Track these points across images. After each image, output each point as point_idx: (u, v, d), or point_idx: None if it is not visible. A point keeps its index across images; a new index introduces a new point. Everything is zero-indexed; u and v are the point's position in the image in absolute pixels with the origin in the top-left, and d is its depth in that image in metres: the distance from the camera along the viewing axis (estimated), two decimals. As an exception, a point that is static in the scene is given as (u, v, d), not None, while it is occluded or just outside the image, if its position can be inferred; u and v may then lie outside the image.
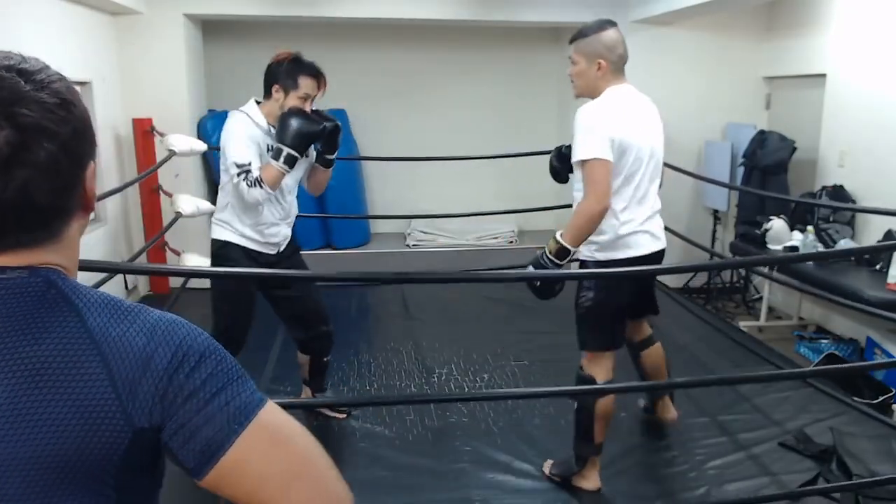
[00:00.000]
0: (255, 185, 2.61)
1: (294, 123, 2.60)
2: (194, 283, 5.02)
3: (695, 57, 5.51)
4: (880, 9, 4.27)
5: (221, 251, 2.79)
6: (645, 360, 2.94)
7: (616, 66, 2.43)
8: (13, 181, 0.67)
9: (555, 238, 2.39)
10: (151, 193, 4.94)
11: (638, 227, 2.49)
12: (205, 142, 4.92)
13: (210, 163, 5.39)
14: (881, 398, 3.58)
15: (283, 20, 5.42)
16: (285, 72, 2.65)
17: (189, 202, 4.68)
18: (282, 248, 2.88)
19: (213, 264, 2.88)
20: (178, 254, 4.83)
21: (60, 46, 3.98)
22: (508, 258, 5.28)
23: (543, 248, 2.43)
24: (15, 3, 3.47)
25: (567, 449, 2.78)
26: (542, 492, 2.71)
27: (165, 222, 4.73)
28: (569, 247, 2.37)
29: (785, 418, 3.22)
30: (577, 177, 2.45)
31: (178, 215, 4.57)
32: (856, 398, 3.46)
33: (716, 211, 5.62)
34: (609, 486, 2.74)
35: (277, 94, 2.67)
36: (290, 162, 2.62)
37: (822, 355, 4.13)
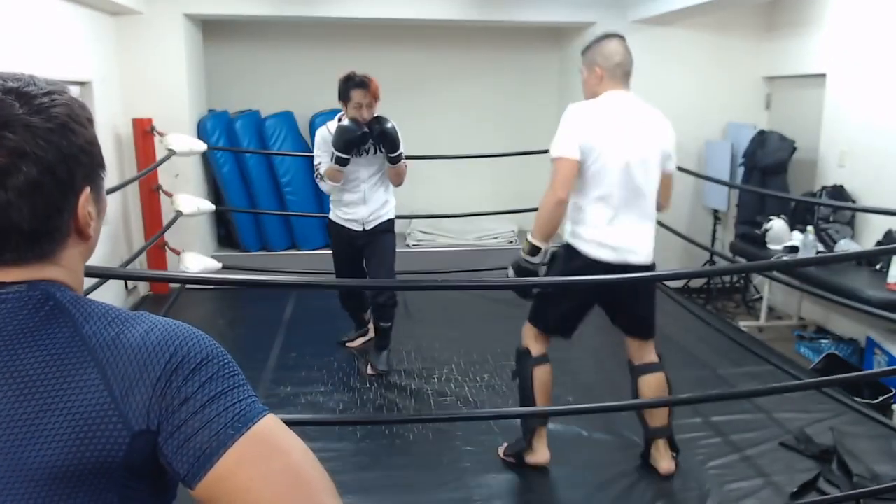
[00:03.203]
0: (321, 179, 3.52)
1: (338, 133, 3.33)
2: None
3: (695, 57, 5.51)
4: (880, 9, 4.27)
5: (329, 227, 3.74)
6: (640, 386, 2.78)
7: (614, 74, 2.56)
8: None
9: (527, 238, 2.58)
10: (151, 193, 4.93)
11: (601, 232, 2.54)
12: (205, 142, 4.92)
13: (210, 162, 5.39)
14: (881, 398, 3.58)
15: (283, 20, 5.42)
16: (341, 90, 3.40)
17: (189, 201, 4.69)
18: (367, 227, 3.58)
19: (328, 232, 3.82)
20: (177, 253, 4.83)
21: (60, 46, 3.97)
22: (508, 258, 5.26)
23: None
24: (15, 3, 3.47)
25: (567, 449, 2.78)
26: (543, 492, 2.71)
27: (165, 222, 4.73)
28: (538, 244, 2.54)
29: (785, 418, 3.22)
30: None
31: (179, 214, 4.57)
32: (856, 398, 3.46)
33: (716, 211, 5.62)
34: (609, 486, 2.74)
35: (343, 106, 3.44)
36: (340, 162, 3.36)
37: (822, 355, 4.12)
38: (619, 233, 2.53)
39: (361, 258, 3.69)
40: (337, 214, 3.65)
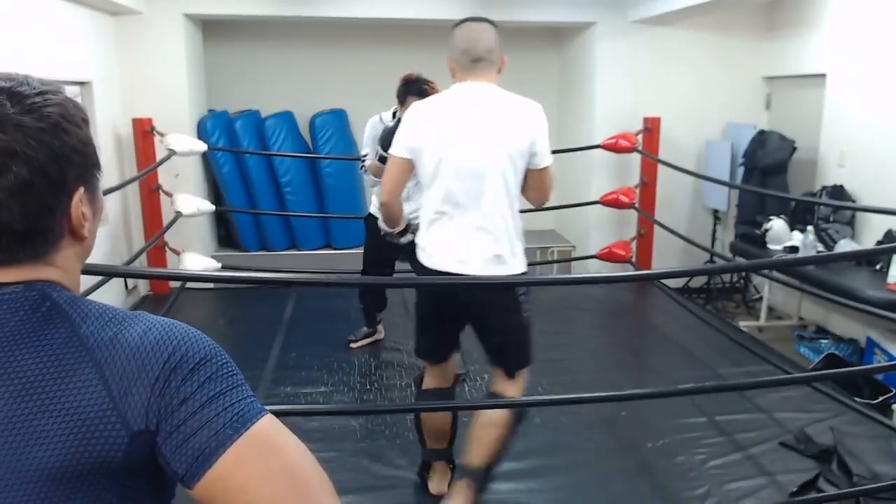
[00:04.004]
0: (365, 172, 3.59)
1: (385, 133, 3.25)
2: (193, 282, 5.03)
3: (695, 57, 5.51)
4: (880, 9, 4.27)
5: (367, 219, 3.74)
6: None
7: (460, 63, 2.28)
8: None
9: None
10: (151, 193, 4.93)
11: (427, 237, 2.32)
12: (205, 142, 4.92)
13: (210, 163, 5.39)
14: (881, 398, 3.58)
15: (283, 20, 5.42)
16: (399, 91, 3.41)
17: (189, 202, 4.69)
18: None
19: (365, 224, 3.77)
20: (177, 253, 4.83)
21: (60, 46, 3.97)
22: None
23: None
24: (15, 3, 3.47)
25: (567, 449, 2.76)
26: (543, 492, 2.71)
27: (165, 222, 4.73)
28: (386, 229, 2.59)
29: (785, 418, 3.22)
30: None
31: (179, 215, 4.57)
32: (856, 398, 3.46)
33: (716, 211, 5.62)
34: (609, 486, 2.74)
35: (398, 106, 3.43)
36: (383, 160, 3.29)
37: (822, 355, 4.12)
38: (445, 238, 2.26)
39: (395, 255, 3.67)
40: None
